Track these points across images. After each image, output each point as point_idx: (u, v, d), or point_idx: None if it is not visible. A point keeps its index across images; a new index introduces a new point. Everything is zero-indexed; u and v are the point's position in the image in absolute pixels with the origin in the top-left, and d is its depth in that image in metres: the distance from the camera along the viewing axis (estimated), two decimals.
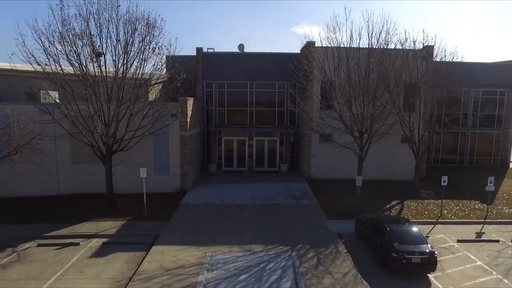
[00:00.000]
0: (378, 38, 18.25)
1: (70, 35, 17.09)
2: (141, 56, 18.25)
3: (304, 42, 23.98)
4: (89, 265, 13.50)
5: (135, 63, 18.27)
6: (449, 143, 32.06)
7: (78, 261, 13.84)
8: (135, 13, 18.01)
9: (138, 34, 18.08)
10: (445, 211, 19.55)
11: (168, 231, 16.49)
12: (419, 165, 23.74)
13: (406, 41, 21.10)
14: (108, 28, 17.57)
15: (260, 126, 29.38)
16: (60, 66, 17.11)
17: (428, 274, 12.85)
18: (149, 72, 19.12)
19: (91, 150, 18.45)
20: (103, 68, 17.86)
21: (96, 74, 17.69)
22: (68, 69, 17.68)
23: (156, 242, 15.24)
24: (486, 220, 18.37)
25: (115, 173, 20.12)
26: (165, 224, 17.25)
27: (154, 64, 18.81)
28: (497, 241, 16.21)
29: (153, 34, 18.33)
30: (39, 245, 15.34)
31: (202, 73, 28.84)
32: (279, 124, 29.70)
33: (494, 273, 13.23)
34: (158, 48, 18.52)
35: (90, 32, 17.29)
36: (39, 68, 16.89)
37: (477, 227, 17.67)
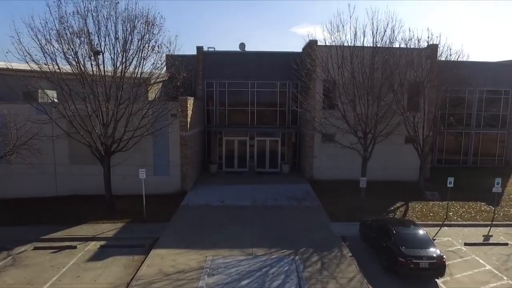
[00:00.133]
0: (383, 36, 17.81)
1: (68, 33, 16.71)
2: (140, 54, 17.85)
3: (306, 41, 23.64)
4: (86, 270, 13.09)
5: (134, 62, 17.87)
6: (453, 143, 31.66)
7: (74, 265, 13.44)
8: (134, 11, 17.65)
9: (137, 32, 17.69)
10: (450, 213, 19.13)
11: (167, 233, 16.09)
12: (423, 166, 23.35)
13: (410, 40, 20.68)
14: (107, 26, 17.19)
15: (261, 126, 28.97)
16: (57, 64, 16.70)
17: (436, 279, 12.41)
18: (148, 71, 18.71)
19: (89, 151, 18.04)
20: (101, 67, 17.44)
21: (94, 72, 17.29)
22: (66, 67, 17.27)
23: (155, 245, 14.83)
24: (493, 223, 17.92)
25: (114, 174, 19.72)
26: (165, 226, 16.85)
27: (154, 63, 18.39)
28: (506, 244, 15.79)
29: (153, 32, 17.93)
30: (35, 248, 14.94)
31: (202, 72, 28.45)
32: (280, 124, 29.29)
33: (505, 278, 12.81)
34: (158, 46, 18.11)
35: (88, 30, 16.91)
36: (35, 67, 16.49)
37: (484, 230, 17.24)
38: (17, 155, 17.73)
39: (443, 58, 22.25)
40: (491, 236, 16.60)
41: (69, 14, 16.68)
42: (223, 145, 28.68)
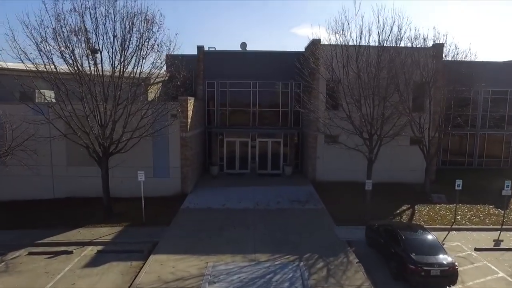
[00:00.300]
0: (389, 34, 17.25)
1: (65, 31, 16.22)
2: (139, 53, 17.34)
3: (309, 40, 23.11)
4: (82, 276, 12.56)
5: (132, 61, 17.35)
6: (458, 144, 31.09)
7: (70, 272, 12.91)
8: (133, 8, 17.15)
9: (136, 30, 17.19)
10: (458, 217, 18.58)
11: (167, 238, 15.56)
12: (429, 168, 22.81)
13: (416, 39, 20.17)
14: (105, 23, 16.70)
15: (263, 127, 28.44)
16: (54, 63, 16.19)
17: None
18: (147, 70, 18.16)
19: (87, 152, 17.52)
20: (99, 66, 16.94)
21: (92, 72, 16.78)
22: (62, 67, 16.76)
23: (154, 251, 14.30)
24: (503, 227, 17.35)
25: (113, 176, 19.21)
26: (164, 231, 16.33)
27: (153, 62, 17.86)
28: None
29: (152, 30, 17.44)
30: (30, 253, 14.44)
31: (203, 72, 27.93)
32: (282, 125, 28.75)
33: None
34: (158, 45, 17.61)
35: (85, 28, 16.41)
36: (31, 66, 15.98)
37: (494, 234, 16.68)
38: (12, 157, 17.27)
39: (449, 58, 21.76)
40: (502, 240, 16.04)
41: (66, 11, 16.22)
42: (224, 146, 28.14)
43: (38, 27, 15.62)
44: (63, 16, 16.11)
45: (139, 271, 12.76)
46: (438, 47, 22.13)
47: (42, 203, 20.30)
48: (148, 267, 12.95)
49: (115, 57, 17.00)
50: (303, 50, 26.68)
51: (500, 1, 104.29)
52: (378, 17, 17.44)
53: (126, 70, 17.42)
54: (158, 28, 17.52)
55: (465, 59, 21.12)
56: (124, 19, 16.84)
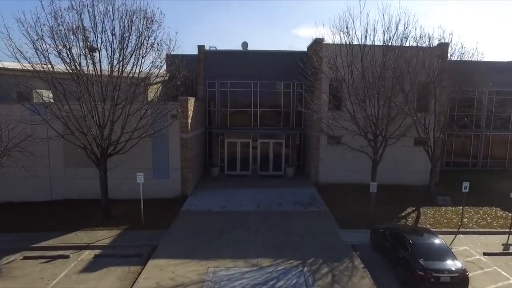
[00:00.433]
0: (395, 32, 16.79)
1: (63, 29, 15.83)
2: (139, 52, 16.93)
3: (312, 39, 22.67)
4: (78, 282, 12.14)
5: (132, 60, 16.95)
6: (462, 145, 30.64)
7: (66, 277, 12.49)
8: (133, 6, 16.75)
9: (136, 28, 16.79)
10: (465, 219, 18.14)
11: (166, 241, 15.13)
12: (434, 169, 22.36)
13: (422, 38, 19.73)
14: (103, 21, 16.29)
15: (264, 128, 27.99)
16: (50, 63, 15.78)
17: None
18: (147, 69, 17.75)
19: (85, 154, 17.10)
20: (97, 65, 16.53)
21: (90, 71, 16.37)
22: (60, 66, 16.36)
23: (153, 255, 13.87)
24: None
25: (111, 178, 18.80)
26: (164, 234, 15.90)
27: (153, 61, 17.44)
28: None
29: (152, 29, 17.03)
30: (25, 257, 14.02)
31: (204, 72, 27.52)
32: (284, 126, 28.30)
33: None
34: (157, 43, 17.20)
35: (83, 26, 16.00)
36: (27, 64, 15.59)
37: (503, 238, 16.23)
38: (8, 158, 16.83)
39: (454, 57, 21.33)
40: (511, 245, 15.59)
41: (64, 9, 15.83)
42: (225, 148, 27.70)
43: (34, 25, 15.22)
44: (60, 14, 15.74)
45: (137, 277, 12.34)
46: (443, 47, 21.71)
47: (39, 205, 19.89)
48: (147, 272, 12.53)
49: (113, 56, 16.60)
50: (305, 50, 26.28)
51: (500, 1, 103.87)
52: (383, 15, 16.99)
53: (125, 70, 17.02)
54: (158, 27, 17.15)
55: (472, 59, 20.65)
56: (123, 17, 16.44)
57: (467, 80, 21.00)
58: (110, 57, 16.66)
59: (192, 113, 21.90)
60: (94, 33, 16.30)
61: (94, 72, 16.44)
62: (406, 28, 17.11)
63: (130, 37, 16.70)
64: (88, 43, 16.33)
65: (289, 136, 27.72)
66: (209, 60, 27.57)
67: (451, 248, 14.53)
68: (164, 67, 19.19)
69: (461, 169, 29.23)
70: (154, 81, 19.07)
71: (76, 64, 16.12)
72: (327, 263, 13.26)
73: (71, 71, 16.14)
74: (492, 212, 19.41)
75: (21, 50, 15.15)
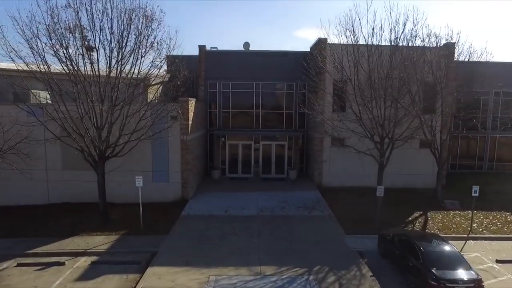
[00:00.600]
0: (403, 30, 16.25)
1: (61, 28, 15.33)
2: (138, 51, 16.42)
3: (314, 40, 22.19)
4: None
5: (130, 59, 16.44)
6: (468, 147, 30.04)
7: (61, 286, 11.96)
8: (132, 4, 16.26)
9: (135, 27, 16.29)
10: (474, 224, 17.55)
11: (166, 248, 14.56)
12: (441, 172, 21.79)
13: (429, 37, 19.19)
14: (102, 20, 15.79)
15: (266, 130, 27.46)
16: (46, 62, 15.27)
17: None
18: (146, 70, 17.22)
19: (82, 156, 16.57)
20: (95, 65, 16.03)
21: (87, 71, 15.87)
22: (56, 66, 15.86)
23: (152, 262, 13.31)
24: None
25: (110, 181, 18.30)
26: (163, 239, 15.33)
27: (152, 61, 16.93)
28: None
29: (151, 27, 16.53)
30: (19, 264, 13.48)
31: (205, 72, 27.02)
32: (287, 127, 27.76)
33: None
34: (157, 42, 16.70)
35: (81, 24, 15.51)
36: (22, 64, 15.09)
37: None
38: (3, 160, 16.34)
39: (462, 57, 20.77)
40: None
41: (61, 7, 15.33)
42: (226, 150, 27.16)
43: (29, 24, 14.71)
44: (57, 13, 15.25)
45: (135, 286, 11.80)
46: (450, 46, 21.16)
47: (36, 209, 19.35)
48: (145, 281, 11.96)
49: (111, 55, 16.10)
50: (308, 50, 25.76)
51: (500, 1, 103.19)
52: (390, 13, 16.47)
53: (124, 69, 16.51)
54: (158, 25, 16.66)
55: (481, 59, 20.09)
56: (122, 15, 15.94)
57: (474, 81, 20.46)
58: (109, 56, 16.18)
59: (192, 114, 21.37)
60: (92, 31, 15.85)
61: (91, 72, 15.93)
62: (415, 26, 16.59)
63: (129, 36, 16.23)
64: (86, 42, 15.85)
65: (292, 138, 27.18)
66: (210, 61, 27.08)
67: (462, 255, 14.05)
68: (164, 67, 18.67)
69: (467, 172, 28.59)
70: (153, 82, 18.56)
71: (73, 63, 15.62)
72: (334, 271, 12.70)
73: (68, 71, 15.65)
74: (502, 217, 18.83)
75: (15, 49, 14.65)
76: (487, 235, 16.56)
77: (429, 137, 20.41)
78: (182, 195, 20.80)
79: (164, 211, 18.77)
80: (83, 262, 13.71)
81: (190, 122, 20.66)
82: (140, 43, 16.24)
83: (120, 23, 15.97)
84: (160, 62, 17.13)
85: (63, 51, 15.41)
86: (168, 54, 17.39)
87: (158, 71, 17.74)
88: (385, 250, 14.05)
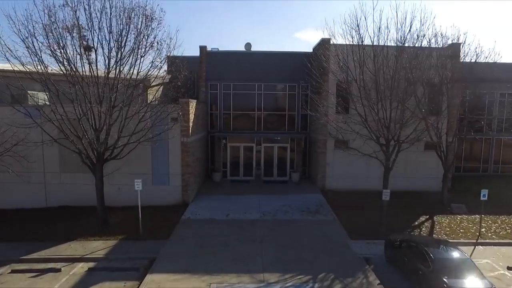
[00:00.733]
0: (410, 30, 15.82)
1: (58, 28, 14.93)
2: (137, 51, 16.01)
3: (314, 43, 21.78)
4: None
5: (130, 60, 16.02)
6: (472, 150, 29.56)
7: None
8: (131, 3, 15.85)
9: (134, 26, 15.89)
10: (483, 229, 17.06)
11: (165, 254, 14.11)
12: (447, 175, 21.31)
13: (435, 37, 18.75)
14: (100, 19, 15.39)
15: (268, 132, 27.00)
16: (43, 63, 14.86)
17: None
18: (146, 70, 16.80)
19: (80, 159, 16.15)
20: (93, 65, 15.61)
21: (85, 71, 15.45)
22: (53, 66, 15.46)
23: (151, 269, 12.86)
24: None
25: (109, 184, 17.88)
26: (163, 245, 14.88)
27: (152, 61, 16.50)
28: None
29: (151, 27, 16.12)
30: (13, 270, 13.06)
31: (205, 73, 26.61)
32: (289, 129, 27.31)
33: None
34: (157, 42, 16.28)
35: (79, 24, 15.11)
36: (18, 64, 14.69)
37: None
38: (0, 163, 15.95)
39: (469, 58, 20.31)
40: None
41: (58, 6, 14.94)
42: (227, 152, 26.71)
43: (25, 22, 14.32)
44: (54, 11, 14.85)
45: None
46: (456, 47, 20.71)
47: (34, 212, 18.93)
48: None
49: (110, 55, 15.69)
50: (311, 51, 25.34)
51: (501, 1, 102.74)
52: (396, 12, 16.06)
53: (123, 70, 16.10)
54: (158, 24, 16.24)
55: (488, 59, 19.62)
56: (121, 13, 15.53)
57: (480, 82, 20.01)
58: (107, 56, 15.77)
59: (193, 116, 20.95)
60: (90, 31, 15.43)
61: (90, 73, 15.52)
62: (422, 25, 16.15)
63: (128, 36, 15.81)
64: (84, 42, 15.44)
65: (294, 140, 26.73)
66: (211, 62, 26.68)
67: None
68: (165, 67, 18.25)
69: (472, 175, 28.12)
70: (153, 83, 18.15)
71: (71, 64, 15.21)
72: (340, 278, 12.24)
73: (65, 72, 15.24)
74: (511, 221, 18.33)
75: (10, 48, 14.25)
76: (497, 241, 16.09)
77: (435, 140, 19.97)
78: (182, 199, 20.36)
79: (164, 215, 18.34)
80: (80, 268, 13.28)
81: (190, 124, 20.23)
82: (140, 43, 15.83)
83: (119, 22, 15.57)
84: (160, 63, 16.72)
85: (60, 51, 15.01)
86: (168, 54, 16.98)
87: (158, 72, 17.30)
88: (392, 256, 13.58)
